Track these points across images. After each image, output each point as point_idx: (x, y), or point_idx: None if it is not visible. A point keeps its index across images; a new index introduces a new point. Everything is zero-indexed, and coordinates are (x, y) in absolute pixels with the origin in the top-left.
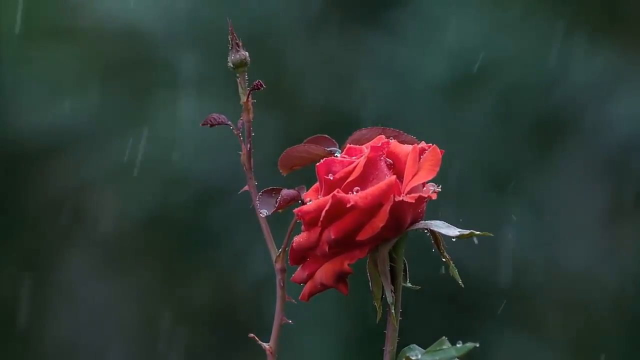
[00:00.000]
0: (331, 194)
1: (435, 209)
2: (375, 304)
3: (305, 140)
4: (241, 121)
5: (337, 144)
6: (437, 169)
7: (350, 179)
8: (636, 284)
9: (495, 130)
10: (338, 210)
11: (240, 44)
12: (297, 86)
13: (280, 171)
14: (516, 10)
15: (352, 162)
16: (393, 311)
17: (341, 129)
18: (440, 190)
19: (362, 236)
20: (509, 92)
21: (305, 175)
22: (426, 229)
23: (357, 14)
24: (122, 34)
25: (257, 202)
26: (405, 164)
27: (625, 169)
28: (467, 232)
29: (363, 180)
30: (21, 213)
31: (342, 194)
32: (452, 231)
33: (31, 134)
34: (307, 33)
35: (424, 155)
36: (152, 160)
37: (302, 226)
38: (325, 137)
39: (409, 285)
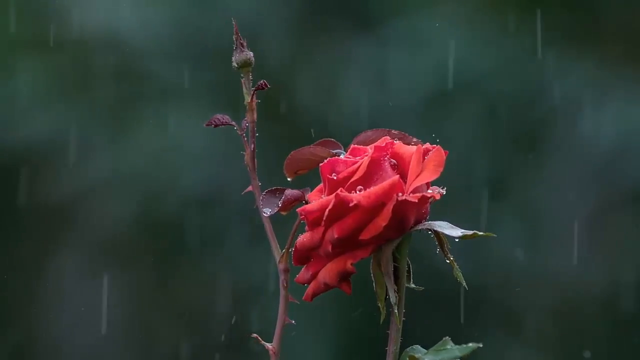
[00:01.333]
0: (334, 193)
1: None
2: (379, 304)
3: (314, 144)
4: (245, 122)
5: (342, 147)
6: (441, 169)
7: (353, 178)
8: (623, 288)
9: (480, 140)
10: (341, 209)
11: (245, 43)
12: (284, 94)
13: (286, 175)
14: (501, 23)
15: (355, 162)
16: (396, 311)
17: (328, 136)
18: (444, 192)
19: (365, 235)
20: (494, 103)
21: (305, 180)
22: (429, 229)
23: (345, 25)
24: (107, 44)
25: (260, 202)
26: (409, 164)
27: (609, 177)
28: (470, 232)
29: (367, 180)
30: (8, 223)
31: (345, 193)
32: (456, 232)
33: (18, 144)
34: (294, 41)
35: (428, 155)
36: (141, 169)
37: (306, 226)
38: (331, 140)
39: (413, 285)
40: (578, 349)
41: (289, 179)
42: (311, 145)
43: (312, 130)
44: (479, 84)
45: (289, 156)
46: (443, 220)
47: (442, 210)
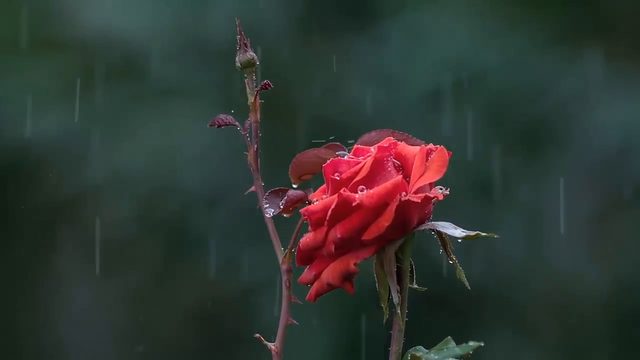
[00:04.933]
0: (337, 193)
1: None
2: (382, 304)
3: (320, 147)
4: (248, 121)
5: (346, 149)
6: (445, 169)
7: (357, 178)
8: (625, 287)
9: (483, 138)
10: (344, 209)
11: (248, 44)
12: (285, 94)
13: (292, 180)
14: (504, 20)
15: (359, 162)
16: (399, 312)
17: (329, 136)
18: (448, 192)
19: (367, 235)
20: (497, 101)
21: (308, 181)
22: (432, 229)
23: (346, 23)
24: (108, 44)
25: (263, 203)
26: (412, 165)
27: (612, 175)
28: (473, 233)
29: (370, 180)
30: (11, 223)
31: (348, 193)
32: (458, 232)
33: (21, 144)
34: (294, 42)
35: (432, 156)
36: (141, 169)
37: (309, 226)
38: (336, 143)
39: (415, 286)
40: (583, 348)
41: (294, 185)
42: (316, 148)
43: (317, 129)
44: (482, 81)
45: (294, 160)
46: (447, 220)
47: (443, 209)
